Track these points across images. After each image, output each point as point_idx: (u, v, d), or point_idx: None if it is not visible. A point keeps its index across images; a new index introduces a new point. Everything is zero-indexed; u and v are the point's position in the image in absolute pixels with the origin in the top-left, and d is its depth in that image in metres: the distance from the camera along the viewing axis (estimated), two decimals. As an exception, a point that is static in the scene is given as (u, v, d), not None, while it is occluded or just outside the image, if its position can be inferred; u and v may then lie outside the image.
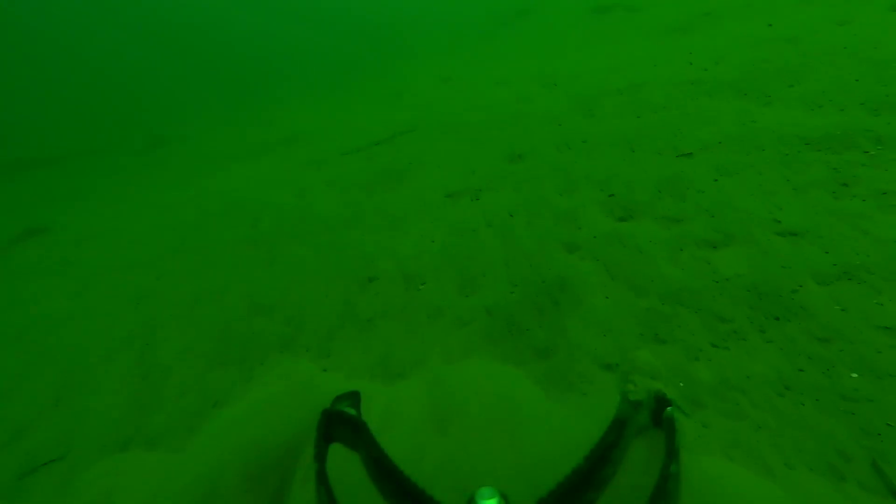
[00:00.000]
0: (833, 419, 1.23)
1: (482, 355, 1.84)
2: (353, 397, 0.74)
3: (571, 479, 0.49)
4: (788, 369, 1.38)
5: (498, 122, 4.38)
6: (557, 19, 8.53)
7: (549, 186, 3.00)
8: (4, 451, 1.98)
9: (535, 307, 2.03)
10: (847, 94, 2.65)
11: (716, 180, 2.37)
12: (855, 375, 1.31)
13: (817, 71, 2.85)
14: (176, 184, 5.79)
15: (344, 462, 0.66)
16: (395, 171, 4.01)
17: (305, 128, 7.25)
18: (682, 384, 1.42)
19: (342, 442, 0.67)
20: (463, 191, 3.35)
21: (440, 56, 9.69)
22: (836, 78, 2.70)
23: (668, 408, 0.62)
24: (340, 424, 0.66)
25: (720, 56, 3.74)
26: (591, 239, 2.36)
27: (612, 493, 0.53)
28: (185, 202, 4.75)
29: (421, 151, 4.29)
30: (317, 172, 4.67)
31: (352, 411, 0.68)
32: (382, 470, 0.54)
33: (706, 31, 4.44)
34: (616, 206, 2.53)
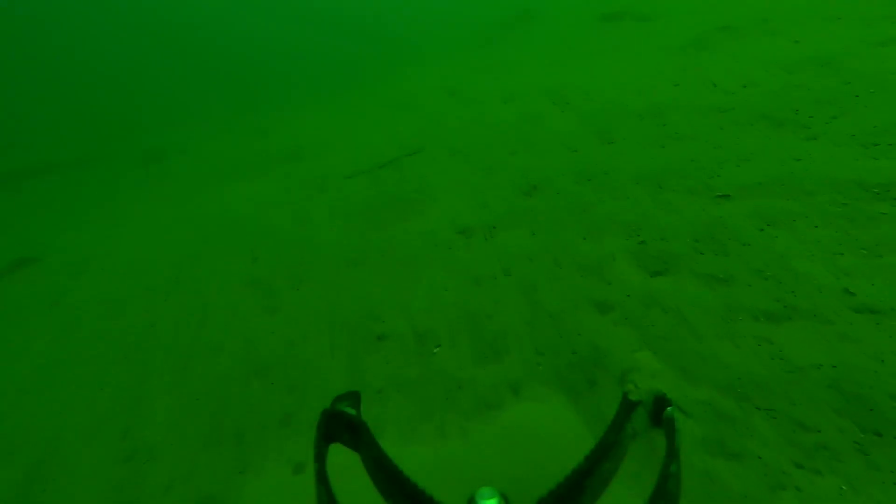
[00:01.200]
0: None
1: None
2: (353, 397, 0.72)
3: (571, 479, 0.47)
4: None
5: (509, 145, 4.10)
6: (563, 26, 8.23)
7: (570, 227, 2.72)
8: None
9: (568, 387, 1.76)
10: (900, 129, 2.38)
11: (762, 230, 2.10)
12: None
13: (865, 101, 2.56)
14: (174, 201, 5.51)
15: (344, 462, 0.66)
16: (402, 200, 3.74)
17: (307, 141, 6.97)
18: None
19: (342, 442, 0.64)
20: (475, 227, 3.08)
21: (444, 61, 9.40)
22: (889, 110, 2.42)
23: (669, 408, 0.59)
24: (340, 424, 0.64)
25: (747, 78, 3.46)
26: (625, 298, 2.09)
27: (613, 493, 0.51)
28: (183, 226, 4.47)
29: (428, 178, 4.02)
30: (319, 197, 4.40)
31: (352, 411, 0.66)
32: (383, 470, 0.53)
33: (726, 48, 4.15)
34: (648, 256, 2.25)
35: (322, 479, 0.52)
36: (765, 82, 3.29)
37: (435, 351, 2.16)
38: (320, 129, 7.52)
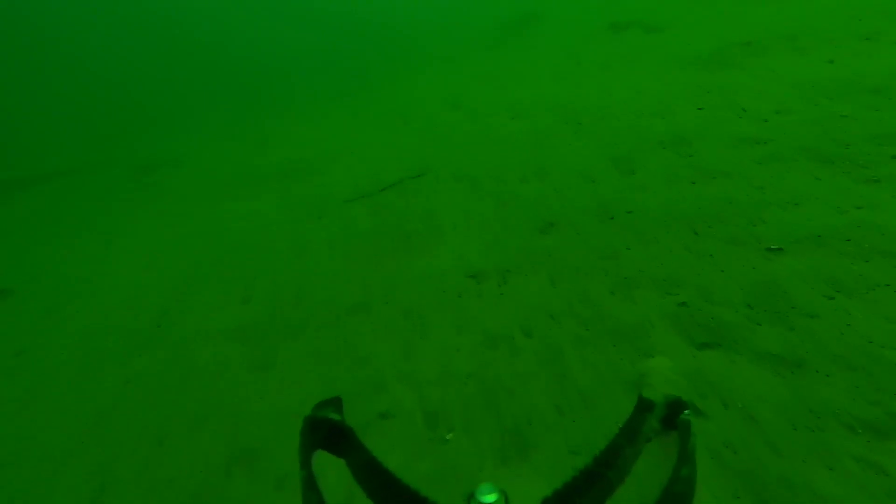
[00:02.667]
0: None
1: None
2: (336, 403, 0.67)
3: (578, 480, 0.45)
4: None
5: (519, 170, 3.75)
6: (569, 33, 7.87)
7: (595, 277, 2.38)
8: None
9: (614, 506, 1.42)
10: (972, 171, 2.04)
11: (832, 299, 1.76)
12: None
13: (930, 139, 2.23)
14: (167, 220, 5.15)
15: (329, 469, 0.63)
16: (405, 233, 3.39)
17: (306, 155, 6.60)
18: None
19: (326, 449, 0.60)
20: (487, 271, 2.73)
21: (446, 66, 9.03)
22: (961, 152, 2.09)
23: (685, 411, 0.56)
24: (325, 431, 0.60)
25: (779, 103, 3.12)
26: (671, 381, 1.75)
27: (622, 495, 0.48)
28: (173, 253, 4.12)
29: (433, 207, 3.67)
30: (316, 223, 4.04)
31: (336, 416, 0.62)
32: (374, 475, 0.50)
33: (750, 67, 3.81)
34: (692, 323, 1.91)
35: (311, 485, 0.49)
36: (802, 109, 2.95)
37: (448, 438, 1.82)
38: (320, 140, 7.16)
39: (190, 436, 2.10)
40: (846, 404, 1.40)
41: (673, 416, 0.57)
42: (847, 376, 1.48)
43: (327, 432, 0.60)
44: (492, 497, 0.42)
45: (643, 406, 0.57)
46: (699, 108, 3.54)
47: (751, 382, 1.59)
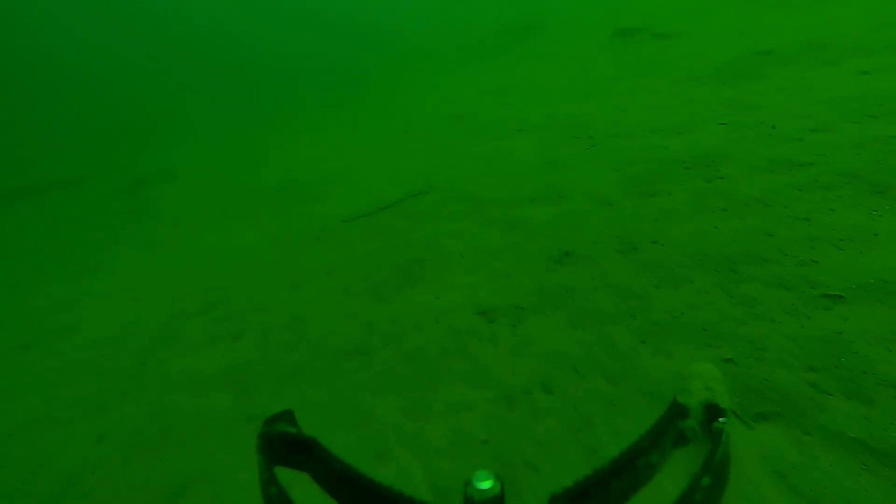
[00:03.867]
0: None
1: None
2: (288, 416, 0.61)
3: (590, 479, 0.41)
4: None
5: (528, 190, 3.47)
6: (574, 40, 7.59)
7: (621, 321, 2.09)
8: None
9: None
10: None
11: (912, 365, 1.47)
12: None
13: None
14: (153, 247, 4.88)
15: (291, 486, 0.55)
16: (408, 261, 3.11)
17: (303, 168, 6.33)
18: None
19: (286, 464, 0.55)
20: (499, 308, 2.45)
21: (449, 75, 8.75)
22: None
23: (721, 419, 0.51)
24: (284, 445, 0.55)
25: (813, 120, 2.84)
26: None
27: (638, 500, 0.44)
28: (156, 291, 3.84)
29: (437, 230, 3.39)
30: (314, 248, 3.77)
31: (292, 429, 0.56)
32: (349, 483, 0.46)
33: (773, 79, 3.53)
34: (744, 386, 1.62)
35: (285, 499, 0.45)
36: (840, 128, 2.66)
37: (461, 527, 1.53)
38: (319, 154, 6.88)
39: (166, 512, 1.82)
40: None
41: (708, 422, 0.52)
42: (954, 476, 1.19)
43: (287, 446, 0.56)
44: (488, 483, 0.41)
45: (675, 411, 0.52)
46: (722, 124, 3.26)
47: (831, 475, 1.30)
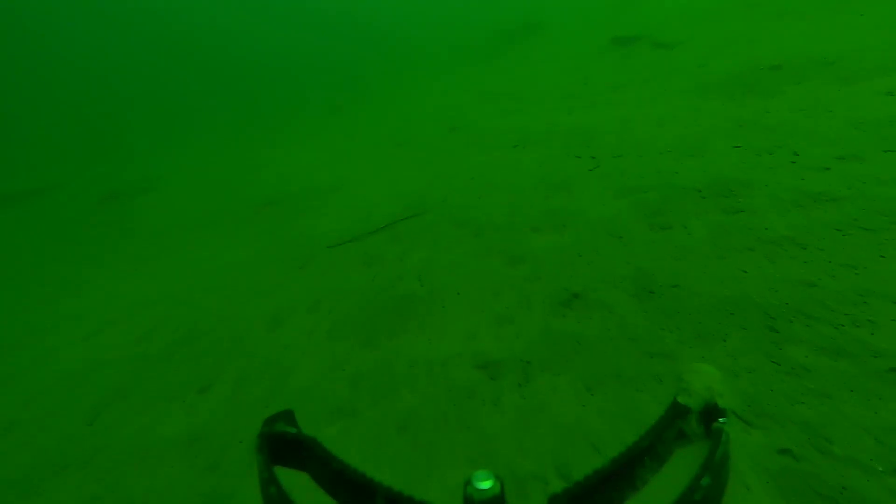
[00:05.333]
0: None
1: None
2: (287, 416, 0.59)
3: (591, 479, 0.42)
4: None
5: (529, 217, 3.16)
6: (571, 47, 7.29)
7: (645, 387, 1.79)
8: None
9: None
10: None
11: None
12: None
13: None
14: (122, 273, 4.46)
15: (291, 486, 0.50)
16: (400, 297, 2.77)
17: (292, 182, 5.94)
18: None
19: (285, 464, 0.54)
20: (502, 361, 2.13)
21: (444, 80, 8.39)
22: None
23: (721, 419, 0.50)
24: (283, 445, 0.54)
25: (841, 146, 2.57)
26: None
27: (637, 501, 0.44)
28: (124, 318, 3.45)
29: (432, 260, 3.06)
30: (297, 276, 3.41)
31: (291, 429, 0.56)
32: (348, 482, 0.46)
33: (788, 96, 3.26)
34: (807, 488, 1.33)
35: (285, 499, 0.44)
36: (873, 157, 2.39)
37: None
38: (310, 161, 6.50)
39: None
40: None
41: (708, 423, 0.50)
42: None
43: (286, 446, 0.54)
44: (487, 483, 0.41)
45: (676, 411, 0.49)
46: (736, 147, 2.97)
47: None
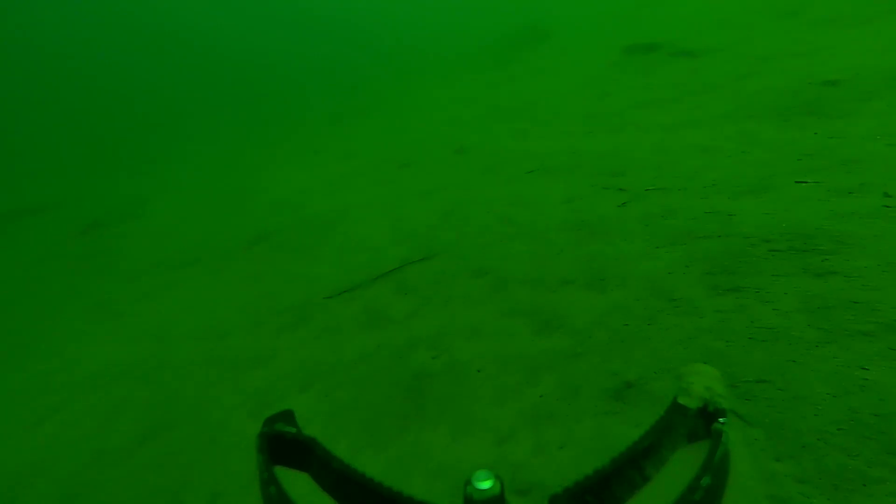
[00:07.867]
0: None
1: None
2: (287, 416, 0.57)
3: (591, 479, 0.40)
4: None
5: (560, 267, 2.68)
6: (583, 54, 6.79)
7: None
8: None
9: None
10: None
11: None
12: None
13: None
14: (100, 309, 3.99)
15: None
16: (413, 375, 2.30)
17: (286, 211, 5.46)
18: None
19: (286, 464, 0.52)
20: (547, 488, 1.65)
21: (449, 93, 7.89)
22: None
23: (721, 419, 0.47)
24: (283, 445, 0.52)
25: (947, 187, 2.09)
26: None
27: (636, 502, 0.43)
28: (91, 384, 2.98)
29: (447, 321, 2.59)
30: (289, 338, 2.94)
31: (292, 429, 0.54)
32: (350, 483, 0.45)
33: (859, 118, 2.77)
34: None
35: (285, 499, 0.43)
36: None
37: None
38: (307, 185, 6.01)
39: None
40: None
41: (708, 423, 0.47)
42: None
43: (286, 446, 0.52)
44: (488, 483, 0.40)
45: (675, 411, 0.48)
46: (800, 182, 2.48)
47: None
